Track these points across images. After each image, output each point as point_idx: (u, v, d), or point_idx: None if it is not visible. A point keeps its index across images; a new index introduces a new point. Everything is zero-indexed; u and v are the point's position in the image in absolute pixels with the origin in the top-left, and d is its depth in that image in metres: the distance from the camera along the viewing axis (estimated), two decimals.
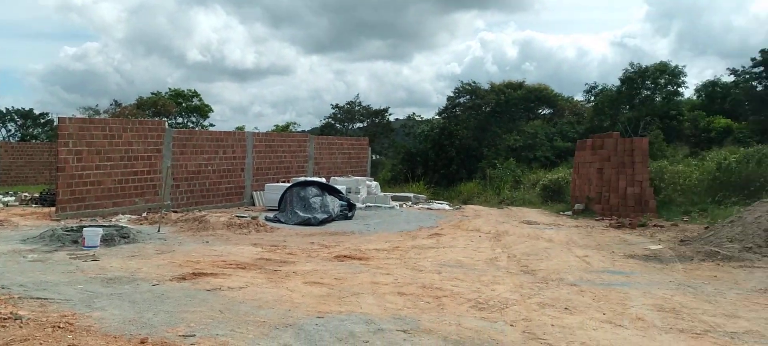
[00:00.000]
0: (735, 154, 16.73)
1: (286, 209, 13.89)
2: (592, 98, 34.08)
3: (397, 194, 19.98)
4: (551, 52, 74.30)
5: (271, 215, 14.07)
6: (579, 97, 36.66)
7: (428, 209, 17.64)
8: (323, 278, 6.96)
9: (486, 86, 35.21)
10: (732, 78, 33.83)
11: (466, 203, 20.44)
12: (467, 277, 7.22)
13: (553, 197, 19.44)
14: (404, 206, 18.20)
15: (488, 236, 11.49)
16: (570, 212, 16.44)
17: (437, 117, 36.82)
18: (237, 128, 36.61)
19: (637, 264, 8.58)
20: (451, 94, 36.26)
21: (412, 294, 6.15)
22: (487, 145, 31.62)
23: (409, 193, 20.92)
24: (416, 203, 19.03)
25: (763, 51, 31.37)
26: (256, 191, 17.76)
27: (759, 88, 31.94)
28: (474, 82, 35.42)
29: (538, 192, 20.48)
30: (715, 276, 7.61)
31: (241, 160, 17.47)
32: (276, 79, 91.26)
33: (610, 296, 6.31)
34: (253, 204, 17.49)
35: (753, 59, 31.78)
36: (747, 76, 32.55)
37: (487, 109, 34.09)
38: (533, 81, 37.03)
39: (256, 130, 22.32)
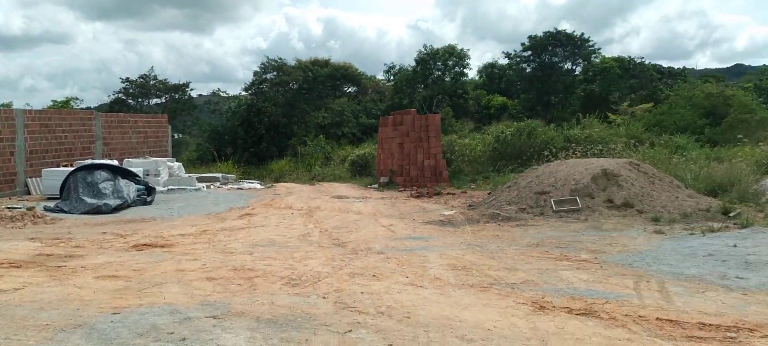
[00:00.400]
0: (510, 128, 19.18)
1: (70, 197, 12.27)
2: (392, 77, 36.17)
3: (203, 175, 18.98)
4: (354, 31, 77.10)
5: (51, 204, 12.32)
6: (380, 76, 38.67)
7: (239, 189, 17.10)
8: (119, 270, 6.32)
9: (293, 63, 35.14)
10: (506, 61, 38.75)
11: (278, 181, 20.27)
12: (280, 255, 7.18)
13: (361, 172, 20.28)
14: (212, 187, 17.38)
15: (300, 212, 11.55)
16: (376, 185, 17.33)
17: (244, 93, 35.74)
18: (2, 105, 31.10)
19: (434, 229, 9.39)
20: (258, 70, 35.49)
21: (223, 278, 5.91)
22: (297, 122, 31.69)
23: (217, 173, 20.02)
24: (225, 184, 18.30)
25: (530, 37, 36.43)
26: (31, 177, 15.36)
27: (528, 70, 37.07)
28: (280, 59, 35.09)
29: (347, 167, 21.18)
30: (498, 235, 8.68)
31: (10, 143, 14.93)
32: (51, 49, 79.59)
33: (412, 260, 6.81)
34: (29, 193, 15.12)
35: (523, 44, 36.76)
36: (518, 59, 37.53)
37: (295, 86, 34.08)
38: (338, 59, 38.01)
39: (29, 108, 19.17)
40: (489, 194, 12.63)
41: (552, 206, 10.03)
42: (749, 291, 5.27)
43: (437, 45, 34.94)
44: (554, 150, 16.79)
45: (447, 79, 34.53)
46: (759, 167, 13.15)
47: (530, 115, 28.47)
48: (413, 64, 34.61)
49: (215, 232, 9.20)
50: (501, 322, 4.42)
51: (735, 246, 7.07)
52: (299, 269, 6.34)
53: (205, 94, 42.17)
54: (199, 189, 16.28)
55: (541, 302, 4.97)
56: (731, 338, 4.07)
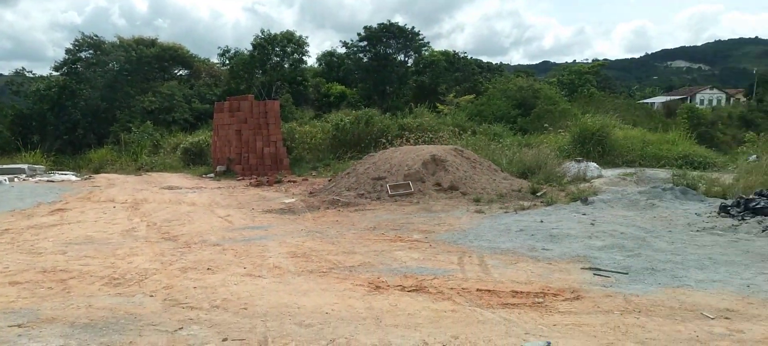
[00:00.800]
0: (349, 117, 19.60)
1: None
2: (228, 61, 34.79)
3: (5, 167, 16.51)
4: (185, 11, 72.57)
5: None
6: (215, 59, 36.97)
7: (49, 181, 15.15)
8: None
9: (113, 41, 32.00)
10: (344, 50, 39.48)
11: (97, 172, 18.38)
12: (99, 253, 6.51)
13: (195, 160, 19.24)
14: (16, 180, 15.17)
15: (124, 205, 10.61)
16: (213, 174, 16.57)
17: (55, 74, 31.65)
18: None
19: (274, 218, 9.26)
20: (71, 48, 31.70)
21: (30, 282, 5.20)
22: (120, 106, 28.97)
23: (22, 164, 17.52)
24: (33, 176, 16.11)
25: (366, 28, 37.49)
26: None
27: (365, 59, 38.13)
28: (97, 36, 31.73)
29: (179, 156, 19.94)
30: (337, 221, 8.83)
31: None
32: None
33: (250, 250, 6.64)
34: None
35: (359, 34, 37.70)
36: (355, 49, 38.43)
37: (116, 66, 31.09)
38: (167, 39, 35.60)
39: None
40: (329, 180, 12.79)
41: (388, 191, 10.47)
42: (553, 260, 6.03)
43: (275, 30, 34.41)
44: (390, 138, 17.54)
45: (286, 65, 34.13)
46: (561, 152, 15.12)
47: (368, 104, 29.38)
48: (250, 48, 33.62)
49: (20, 230, 8.05)
50: (339, 304, 4.52)
51: (541, 222, 8.03)
52: (122, 267, 5.82)
53: (6, 73, 36.55)
54: (0, 183, 14.11)
55: (377, 283, 5.17)
56: (539, 302, 4.63)
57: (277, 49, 33.52)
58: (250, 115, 16.89)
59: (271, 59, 33.54)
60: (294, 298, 4.71)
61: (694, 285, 5.04)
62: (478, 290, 4.94)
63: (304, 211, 9.78)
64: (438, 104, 28.42)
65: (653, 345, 3.67)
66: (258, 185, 13.92)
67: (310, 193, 11.81)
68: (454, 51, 40.43)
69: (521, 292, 4.88)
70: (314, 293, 4.85)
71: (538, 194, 10.32)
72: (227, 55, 34.87)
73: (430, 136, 17.77)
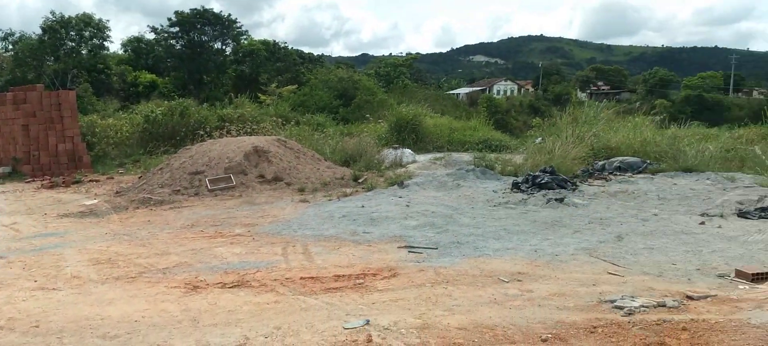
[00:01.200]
0: (161, 107, 18.17)
1: None
2: (11, 47, 30.06)
3: None
4: None
5: None
6: None
7: None
8: None
9: None
10: (153, 36, 36.58)
11: None
12: None
13: None
14: None
15: None
16: None
17: None
18: None
19: (71, 223, 8.25)
20: None
21: None
22: None
23: None
24: None
25: (177, 13, 35.17)
26: None
27: (178, 46, 35.74)
28: None
29: None
30: (149, 221, 8.17)
31: None
32: None
33: (43, 260, 5.84)
34: None
35: (169, 20, 35.21)
36: (166, 34, 35.82)
37: None
38: None
39: None
40: (139, 178, 11.80)
41: (207, 186, 9.98)
42: (373, 242, 6.31)
43: (69, 12, 30.50)
44: (209, 129, 16.69)
45: (84, 51, 30.46)
46: (380, 140, 15.83)
47: (183, 94, 27.55)
48: (39, 32, 29.38)
49: None
50: (150, 310, 4.19)
51: (363, 207, 8.34)
52: None
53: None
54: None
55: (195, 283, 4.91)
56: (359, 283, 4.80)
57: (73, 33, 29.73)
58: (40, 108, 14.79)
59: (65, 45, 29.63)
60: (97, 309, 4.25)
61: (492, 254, 5.66)
62: (301, 278, 4.96)
63: (110, 212, 8.88)
64: (260, 94, 27.83)
65: (459, 311, 4.04)
66: (52, 186, 12.27)
67: (117, 192, 10.76)
68: (275, 40, 39.86)
69: (343, 275, 5.02)
70: (121, 301, 4.44)
71: (360, 180, 10.69)
72: (11, 39, 30.10)
73: (253, 127, 17.30)
